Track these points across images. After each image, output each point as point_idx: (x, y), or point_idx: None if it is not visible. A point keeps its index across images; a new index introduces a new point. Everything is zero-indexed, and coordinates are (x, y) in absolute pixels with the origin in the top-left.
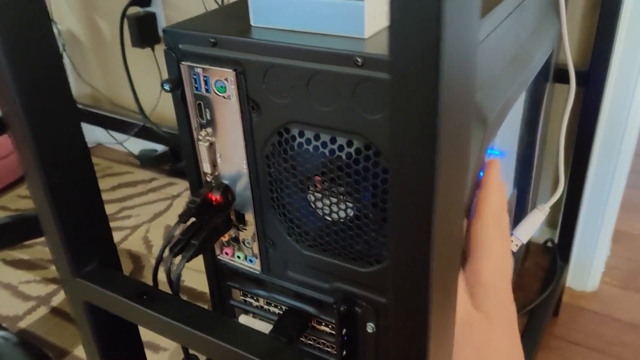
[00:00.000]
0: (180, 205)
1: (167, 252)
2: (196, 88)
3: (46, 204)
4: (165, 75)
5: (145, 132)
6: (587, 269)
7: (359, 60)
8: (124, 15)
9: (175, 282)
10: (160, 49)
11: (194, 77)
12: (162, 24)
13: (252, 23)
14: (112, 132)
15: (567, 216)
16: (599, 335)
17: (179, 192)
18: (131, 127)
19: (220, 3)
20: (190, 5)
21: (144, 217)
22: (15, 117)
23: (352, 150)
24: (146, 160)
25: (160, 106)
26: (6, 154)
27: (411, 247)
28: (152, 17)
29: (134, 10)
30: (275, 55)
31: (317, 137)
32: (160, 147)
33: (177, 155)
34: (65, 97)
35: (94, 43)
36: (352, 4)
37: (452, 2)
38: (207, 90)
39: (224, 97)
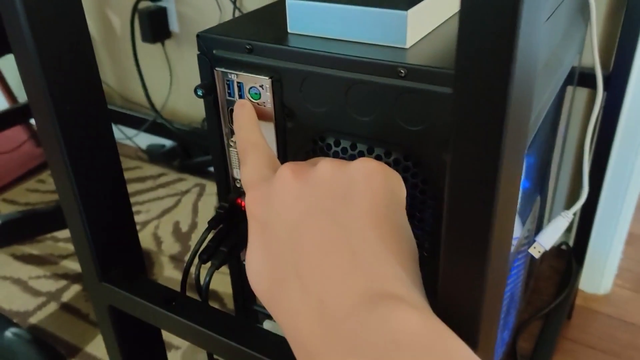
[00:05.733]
0: (189, 202)
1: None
2: (229, 94)
3: (76, 211)
4: (175, 70)
5: (155, 128)
6: (599, 272)
7: (402, 71)
8: (135, 10)
9: (204, 290)
10: (170, 44)
11: (228, 83)
12: (173, 19)
13: (289, 30)
14: (121, 127)
15: (583, 220)
16: (612, 339)
17: (188, 188)
18: (141, 122)
19: (233, 0)
20: (202, 1)
21: (153, 213)
22: (46, 120)
23: (390, 160)
24: (155, 156)
25: (170, 101)
26: (15, 147)
27: (468, 248)
28: (163, 12)
29: (145, 5)
30: (313, 63)
31: (353, 147)
32: (168, 143)
33: (186, 151)
34: (97, 96)
35: (104, 38)
36: (395, 13)
37: (526, 12)
38: (240, 97)
39: (258, 104)
